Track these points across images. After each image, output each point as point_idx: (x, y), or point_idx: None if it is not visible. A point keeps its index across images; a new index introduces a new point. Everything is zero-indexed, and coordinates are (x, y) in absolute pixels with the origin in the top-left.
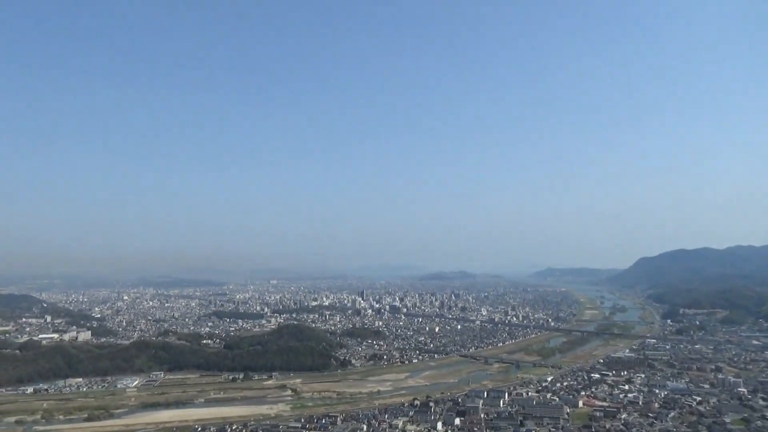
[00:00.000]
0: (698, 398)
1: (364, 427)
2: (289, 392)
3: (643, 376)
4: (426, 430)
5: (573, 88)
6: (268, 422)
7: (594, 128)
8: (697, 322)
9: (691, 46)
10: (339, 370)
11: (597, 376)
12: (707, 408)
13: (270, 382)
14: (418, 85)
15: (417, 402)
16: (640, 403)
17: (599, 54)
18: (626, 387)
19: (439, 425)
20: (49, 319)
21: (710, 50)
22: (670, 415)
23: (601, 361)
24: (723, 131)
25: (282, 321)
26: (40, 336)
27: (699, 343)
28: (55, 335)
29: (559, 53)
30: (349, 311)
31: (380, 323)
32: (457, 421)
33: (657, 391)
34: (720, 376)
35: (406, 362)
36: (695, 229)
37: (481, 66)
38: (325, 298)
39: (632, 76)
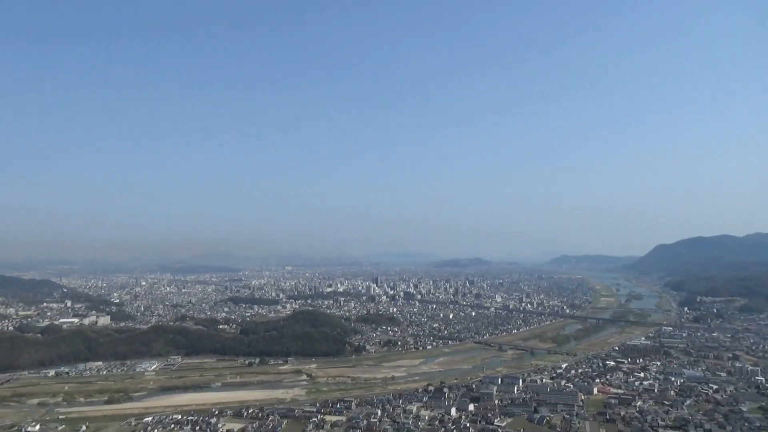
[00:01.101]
0: (715, 386)
1: (379, 412)
2: (304, 377)
3: (659, 363)
4: (440, 415)
5: (589, 73)
6: (283, 406)
7: (610, 115)
8: (715, 310)
9: (703, 30)
10: (353, 356)
11: (612, 363)
12: (724, 396)
13: (285, 367)
14: (432, 74)
15: (431, 388)
16: (656, 390)
17: (616, 41)
18: (642, 374)
19: (453, 411)
20: (69, 303)
21: (727, 32)
22: (686, 403)
23: (617, 348)
24: (742, 117)
25: (297, 307)
26: (61, 320)
27: (716, 331)
28: (76, 320)
29: (575, 41)
30: (364, 297)
31: (395, 310)
32: (471, 407)
33: (673, 378)
34: (737, 364)
35: (421, 348)
36: (714, 217)
37: (495, 54)
38: (339, 285)
39: (649, 61)
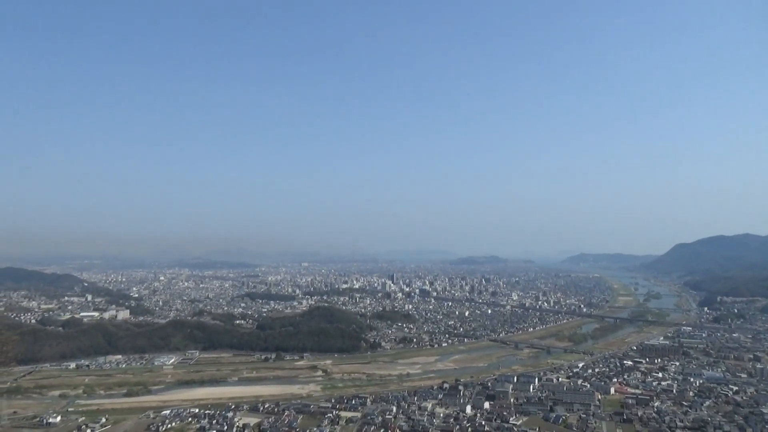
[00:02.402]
0: (735, 387)
1: (394, 408)
2: (319, 373)
3: (677, 364)
4: (455, 413)
5: (608, 69)
6: (299, 401)
7: (630, 113)
8: (736, 310)
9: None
10: (369, 352)
11: (630, 363)
12: (744, 398)
13: (301, 362)
14: (448, 70)
15: (446, 385)
16: (674, 391)
17: (634, 36)
18: (660, 375)
19: (468, 408)
20: (89, 297)
21: (750, 26)
22: (705, 404)
23: (635, 348)
24: (766, 113)
25: (313, 303)
26: (82, 314)
27: (737, 331)
28: (96, 313)
29: (591, 37)
30: (379, 294)
31: (410, 306)
32: (487, 404)
33: (692, 379)
34: (758, 365)
35: (436, 346)
36: (736, 215)
37: (511, 49)
38: (355, 281)
39: (669, 57)
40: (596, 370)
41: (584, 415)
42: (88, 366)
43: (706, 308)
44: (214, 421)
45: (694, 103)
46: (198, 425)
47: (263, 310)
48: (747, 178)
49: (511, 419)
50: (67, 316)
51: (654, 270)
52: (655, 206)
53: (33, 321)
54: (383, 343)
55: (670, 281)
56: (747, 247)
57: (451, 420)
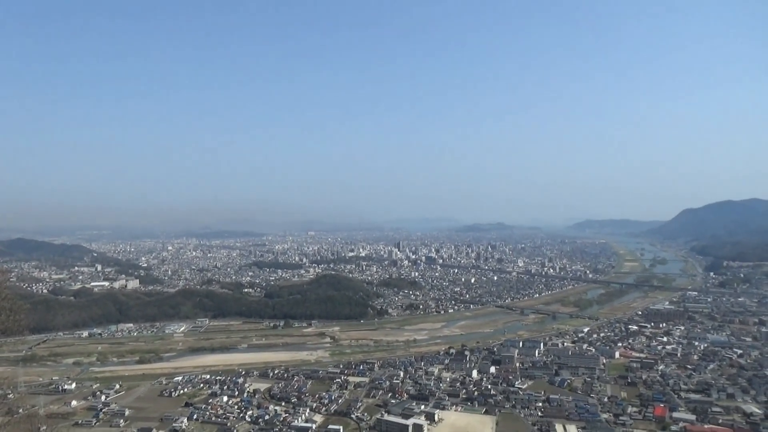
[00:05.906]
0: (739, 351)
1: (401, 373)
2: (327, 339)
3: (682, 328)
4: (461, 377)
5: (611, 33)
6: (308, 367)
7: (634, 76)
8: (742, 275)
9: None
10: (376, 319)
11: (635, 327)
12: (748, 361)
13: (309, 329)
14: (458, 35)
15: (453, 350)
16: (679, 355)
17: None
18: (665, 339)
19: (475, 373)
20: (99, 267)
21: None
22: (709, 368)
23: (640, 313)
24: None
25: (320, 271)
26: (92, 284)
27: (742, 296)
28: (106, 283)
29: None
30: (386, 262)
31: (416, 274)
32: (493, 369)
33: (696, 343)
34: (763, 329)
35: (442, 312)
36: (744, 180)
37: (523, 22)
38: (361, 249)
39: (679, 20)
40: (601, 334)
41: (589, 379)
42: (100, 334)
43: (712, 273)
44: (225, 387)
45: (702, 66)
46: (209, 390)
47: (271, 278)
48: (755, 142)
49: (516, 383)
50: (78, 285)
51: (660, 235)
52: (662, 172)
53: (45, 291)
54: (390, 310)
55: (676, 247)
56: (755, 212)
57: (458, 384)
